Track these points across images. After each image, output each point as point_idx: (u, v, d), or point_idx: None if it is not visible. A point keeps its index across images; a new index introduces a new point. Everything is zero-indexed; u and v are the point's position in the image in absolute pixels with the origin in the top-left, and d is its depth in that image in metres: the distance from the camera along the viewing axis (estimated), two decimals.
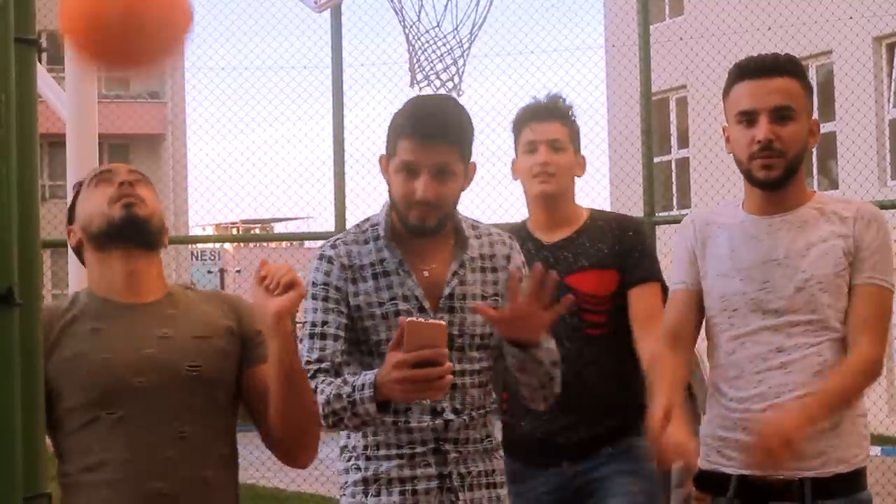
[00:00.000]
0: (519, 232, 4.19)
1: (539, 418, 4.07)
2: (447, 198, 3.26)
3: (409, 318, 3.02)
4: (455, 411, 3.27)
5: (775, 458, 3.17)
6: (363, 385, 3.10)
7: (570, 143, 4.31)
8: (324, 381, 3.19)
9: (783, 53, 3.47)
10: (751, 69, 3.40)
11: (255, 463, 18.08)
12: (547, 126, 4.27)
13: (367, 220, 3.37)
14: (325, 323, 3.26)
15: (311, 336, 3.27)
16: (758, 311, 3.38)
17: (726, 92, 3.45)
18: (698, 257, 3.51)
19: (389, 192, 3.31)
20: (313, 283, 3.31)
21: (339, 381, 3.17)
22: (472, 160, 3.33)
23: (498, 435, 3.47)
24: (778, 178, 3.39)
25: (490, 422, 3.39)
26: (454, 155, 3.24)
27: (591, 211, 4.36)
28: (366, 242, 3.32)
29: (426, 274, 3.29)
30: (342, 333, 3.26)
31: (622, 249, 4.20)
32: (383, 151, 3.34)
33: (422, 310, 3.25)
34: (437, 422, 3.24)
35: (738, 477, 3.37)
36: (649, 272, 4.19)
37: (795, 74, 3.41)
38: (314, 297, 3.29)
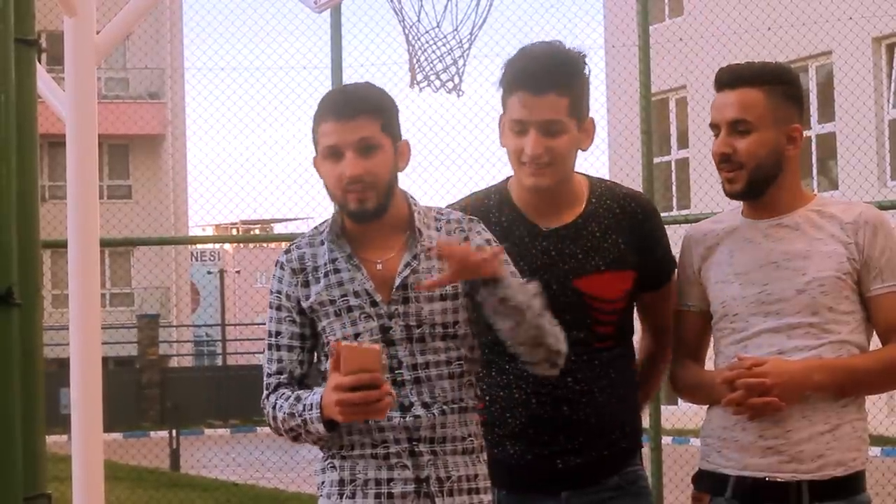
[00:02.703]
0: (502, 208, 3.54)
1: (531, 440, 3.48)
2: (377, 173, 3.15)
3: (343, 343, 3.00)
4: (424, 405, 3.15)
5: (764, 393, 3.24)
6: (311, 405, 3.09)
7: (571, 117, 3.43)
8: (281, 395, 3.17)
9: (764, 62, 3.47)
10: (720, 81, 3.43)
11: (255, 463, 18.09)
12: (541, 102, 3.41)
13: (325, 221, 3.30)
14: (278, 333, 3.23)
15: (269, 347, 3.25)
16: (759, 314, 3.38)
17: None
18: (701, 271, 3.51)
19: (326, 189, 3.23)
20: (270, 291, 3.28)
21: (293, 397, 3.14)
22: (403, 139, 3.24)
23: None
24: (741, 190, 3.40)
25: (471, 420, 3.22)
26: (375, 128, 3.16)
27: (590, 182, 3.60)
28: (321, 244, 3.25)
29: (379, 267, 3.20)
30: (296, 343, 3.22)
31: (643, 244, 3.54)
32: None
33: (374, 304, 3.17)
34: (407, 418, 3.13)
35: (736, 478, 3.37)
36: (670, 270, 3.62)
37: (761, 83, 3.38)
38: (270, 307, 3.26)
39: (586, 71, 3.49)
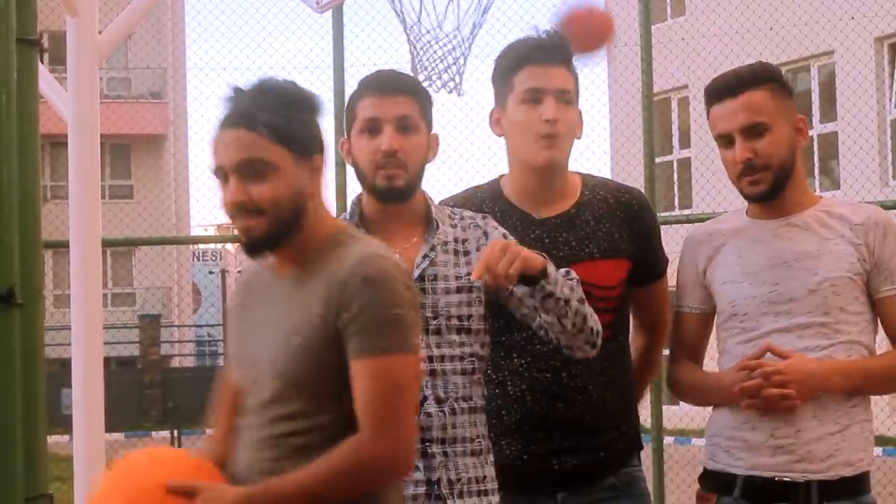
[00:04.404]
0: (496, 200, 3.56)
1: (526, 438, 3.45)
2: (410, 153, 3.21)
3: None
4: (438, 400, 3.13)
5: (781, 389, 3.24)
6: None
7: (575, 94, 3.55)
8: None
9: (748, 65, 3.46)
10: (717, 92, 3.41)
11: None
12: (556, 71, 3.49)
13: (341, 216, 3.31)
14: None
15: None
16: (769, 314, 3.37)
17: (707, 115, 3.45)
18: (707, 272, 3.50)
19: (356, 167, 3.26)
20: None
21: None
22: (433, 132, 3.29)
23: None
24: (767, 190, 3.39)
25: (480, 420, 3.21)
26: (414, 107, 3.23)
27: (583, 176, 3.64)
28: None
29: (397, 256, 3.16)
30: None
31: (636, 234, 3.57)
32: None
33: None
34: (420, 416, 3.09)
35: (745, 477, 3.36)
36: (664, 264, 3.67)
37: (761, 84, 3.38)
38: None
39: None
